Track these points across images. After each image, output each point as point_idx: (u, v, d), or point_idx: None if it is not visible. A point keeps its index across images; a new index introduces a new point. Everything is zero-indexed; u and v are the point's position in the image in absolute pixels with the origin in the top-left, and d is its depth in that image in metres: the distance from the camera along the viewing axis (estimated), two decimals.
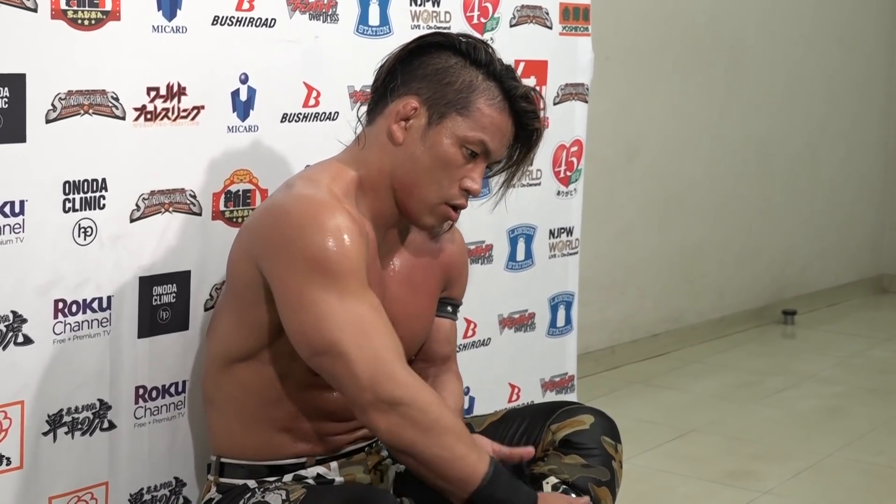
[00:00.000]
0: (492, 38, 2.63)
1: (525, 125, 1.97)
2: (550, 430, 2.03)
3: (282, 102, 2.25)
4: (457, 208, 1.97)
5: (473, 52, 1.95)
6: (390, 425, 1.77)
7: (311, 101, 2.29)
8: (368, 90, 2.14)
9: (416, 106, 1.93)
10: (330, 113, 2.33)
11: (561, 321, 2.96)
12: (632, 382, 3.61)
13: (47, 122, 1.91)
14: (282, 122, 2.25)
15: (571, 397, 3.03)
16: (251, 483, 1.96)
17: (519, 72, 2.69)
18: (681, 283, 4.12)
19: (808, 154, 4.81)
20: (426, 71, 1.94)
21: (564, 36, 2.81)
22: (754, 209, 4.51)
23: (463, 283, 2.20)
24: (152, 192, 2.06)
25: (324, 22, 2.29)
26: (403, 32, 2.44)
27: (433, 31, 2.14)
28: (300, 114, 2.28)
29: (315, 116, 2.30)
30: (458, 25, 2.56)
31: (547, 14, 2.77)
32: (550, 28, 2.78)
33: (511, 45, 2.66)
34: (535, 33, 2.72)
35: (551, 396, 2.94)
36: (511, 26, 2.68)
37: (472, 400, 2.76)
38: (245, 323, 1.94)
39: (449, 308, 2.19)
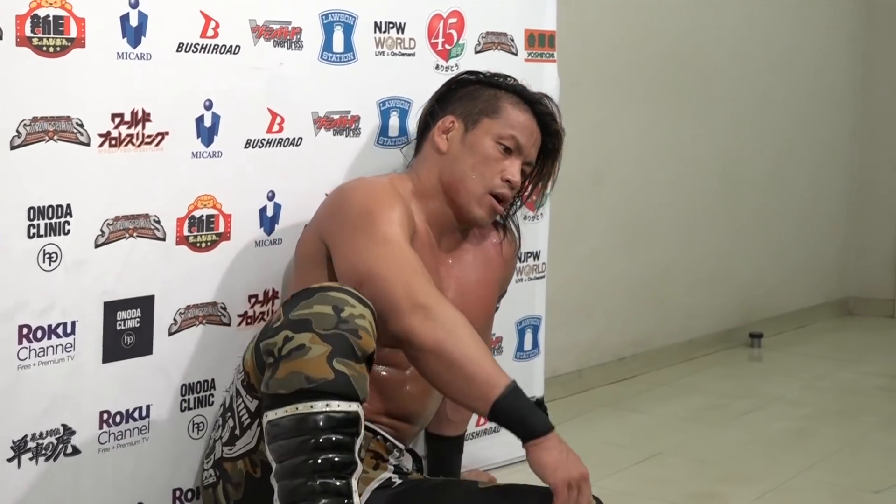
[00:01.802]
0: (457, 65, 2.66)
1: (547, 127, 2.32)
2: None
3: (246, 128, 2.27)
4: (501, 199, 2.26)
5: (494, 78, 2.34)
6: (424, 326, 1.92)
7: (276, 127, 2.31)
8: (333, 116, 2.36)
9: (454, 119, 2.28)
10: (294, 139, 2.35)
11: (528, 345, 2.98)
12: (599, 406, 3.62)
13: (12, 147, 1.93)
14: (246, 147, 2.27)
15: None
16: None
17: None
18: (649, 307, 4.14)
19: (776, 179, 4.86)
20: (458, 96, 2.32)
21: (530, 62, 2.84)
22: (722, 233, 4.55)
23: (510, 279, 2.52)
24: (116, 218, 2.07)
25: (288, 49, 2.32)
26: (368, 59, 2.47)
27: (461, 71, 2.44)
28: (264, 139, 2.30)
29: (279, 142, 2.32)
30: (423, 52, 2.59)
31: (512, 41, 2.80)
32: (516, 54, 2.81)
33: (455, 74, 2.69)
34: (500, 60, 2.75)
35: None
36: (476, 53, 2.71)
37: None
38: (304, 284, 2.05)
39: (497, 306, 2.50)
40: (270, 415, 1.82)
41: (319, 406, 1.78)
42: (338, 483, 1.78)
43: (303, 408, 1.78)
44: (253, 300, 2.32)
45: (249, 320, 2.32)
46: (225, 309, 2.28)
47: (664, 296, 4.23)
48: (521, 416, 1.91)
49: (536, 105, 2.31)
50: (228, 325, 2.29)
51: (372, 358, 1.87)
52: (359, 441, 1.82)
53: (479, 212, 2.26)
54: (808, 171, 5.06)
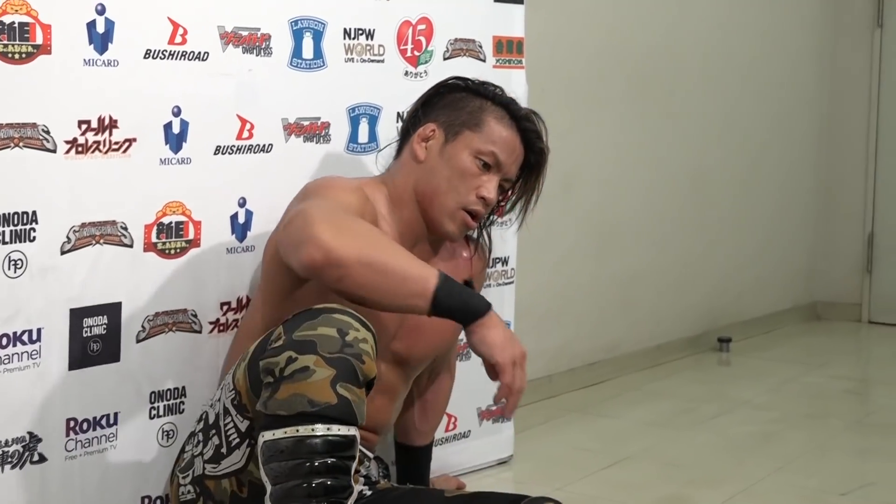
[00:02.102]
0: (425, 71, 2.66)
1: (532, 144, 2.26)
2: None
3: (215, 135, 2.27)
4: (474, 216, 2.21)
5: (482, 87, 2.27)
6: (340, 240, 1.86)
7: (245, 134, 2.31)
8: (303, 123, 2.35)
9: (435, 128, 2.23)
10: (264, 145, 2.35)
11: None
12: (569, 411, 3.63)
13: None
14: (216, 154, 2.27)
15: (508, 426, 3.05)
16: None
17: None
18: (617, 312, 4.16)
19: (744, 185, 4.89)
20: (443, 102, 2.26)
21: (498, 68, 2.85)
22: (690, 239, 4.57)
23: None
24: (83, 225, 2.07)
25: (257, 55, 2.31)
26: (337, 66, 2.47)
27: (451, 76, 2.35)
28: (234, 146, 2.30)
29: (249, 149, 2.32)
30: (392, 59, 2.60)
31: (480, 47, 2.81)
32: (484, 61, 2.82)
33: (445, 77, 2.70)
34: (468, 66, 2.76)
35: (488, 426, 2.97)
36: (445, 59, 2.72)
37: None
38: (268, 293, 2.06)
39: None
40: (268, 434, 1.79)
41: (320, 430, 1.76)
42: None
43: (303, 430, 1.76)
44: (225, 307, 2.32)
45: (222, 327, 2.31)
46: (196, 316, 2.27)
47: (633, 301, 4.25)
48: (461, 300, 1.92)
49: (522, 121, 2.25)
50: (200, 332, 2.28)
51: (372, 383, 1.85)
52: (354, 465, 1.81)
53: (450, 226, 2.21)
54: (776, 177, 5.09)
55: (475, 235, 2.38)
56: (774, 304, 5.13)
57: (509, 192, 2.31)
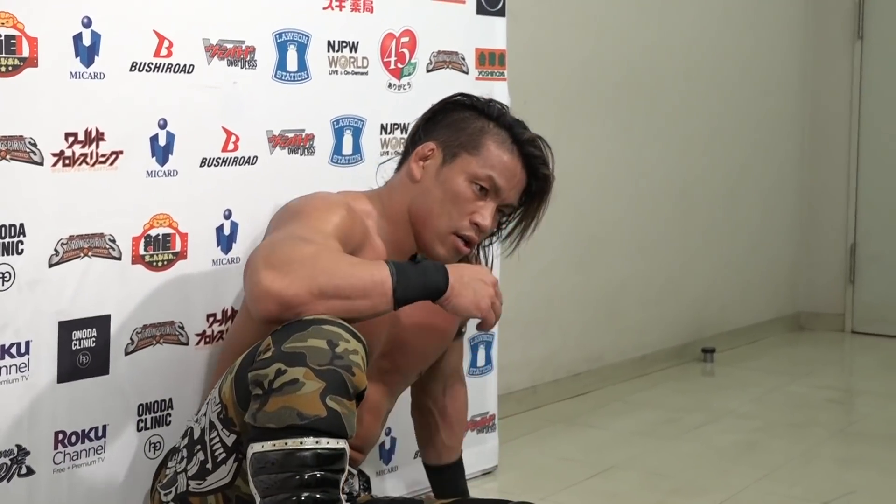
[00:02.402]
0: (409, 83, 2.68)
1: (535, 170, 2.19)
2: None
3: (201, 147, 2.28)
4: (467, 241, 2.16)
5: (487, 107, 2.21)
6: (285, 281, 1.81)
7: (231, 146, 2.33)
8: (288, 135, 2.36)
9: (434, 148, 2.18)
10: (249, 157, 2.36)
11: (481, 361, 3.01)
12: (554, 422, 3.65)
13: None
14: (201, 166, 2.28)
15: (493, 437, 3.06)
16: None
17: None
18: (602, 323, 4.18)
19: (728, 196, 4.92)
20: (446, 121, 2.20)
21: (481, 80, 2.88)
22: (675, 249, 4.60)
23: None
24: (71, 237, 2.08)
25: (242, 68, 2.33)
26: (322, 78, 2.49)
27: (457, 92, 2.29)
28: (219, 158, 2.31)
29: (234, 161, 2.34)
30: (376, 71, 2.61)
31: (463, 59, 2.83)
32: (467, 73, 2.84)
33: (428, 90, 2.72)
34: (451, 78, 2.79)
35: (472, 436, 2.97)
36: (428, 71, 2.74)
37: (393, 441, 2.79)
38: (249, 315, 2.02)
39: (462, 330, 2.46)
40: (256, 447, 1.77)
41: (309, 443, 1.74)
42: None
43: (292, 443, 1.74)
44: (211, 319, 2.33)
45: (208, 339, 2.32)
46: (182, 328, 2.28)
47: (618, 312, 4.27)
48: (420, 288, 1.91)
49: (525, 146, 2.17)
50: (186, 344, 2.29)
51: (363, 395, 1.83)
52: (343, 478, 1.80)
53: (441, 250, 2.15)
54: (759, 189, 5.13)
55: (475, 253, 2.32)
56: (758, 315, 5.16)
57: (506, 221, 2.26)
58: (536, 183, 2.21)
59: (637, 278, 4.37)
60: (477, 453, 2.99)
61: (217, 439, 1.92)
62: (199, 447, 1.96)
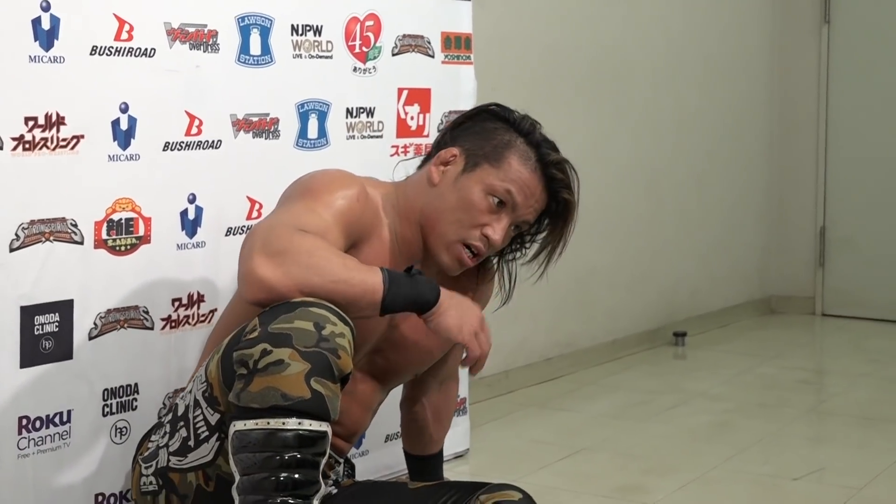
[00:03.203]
0: (374, 67, 2.68)
1: (556, 193, 2.15)
2: (480, 500, 2.10)
3: (164, 131, 2.27)
4: (473, 253, 2.11)
5: (519, 122, 2.17)
6: (277, 273, 1.82)
7: (194, 130, 2.32)
8: (252, 119, 2.34)
9: (456, 154, 2.14)
10: (213, 141, 2.36)
11: None
12: (526, 406, 3.66)
13: None
14: (164, 150, 2.27)
15: (464, 420, 3.07)
16: None
17: (402, 100, 2.78)
18: (573, 308, 4.19)
19: (697, 180, 4.93)
20: (474, 129, 2.17)
21: (447, 64, 2.88)
22: (645, 234, 4.61)
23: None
24: (32, 222, 2.06)
25: (205, 51, 2.32)
26: (285, 62, 2.48)
27: (493, 102, 2.26)
28: (182, 142, 2.30)
29: (198, 145, 2.33)
30: (341, 55, 2.61)
31: (429, 43, 2.83)
32: (433, 57, 2.84)
33: (394, 73, 2.72)
34: (417, 62, 2.79)
35: None
36: (393, 55, 2.74)
37: None
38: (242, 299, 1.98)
39: None
40: (239, 424, 1.77)
41: (291, 423, 1.75)
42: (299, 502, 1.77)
43: (274, 423, 1.75)
44: (177, 303, 2.32)
45: (173, 324, 2.31)
46: (147, 312, 2.27)
47: (589, 297, 4.28)
48: (409, 299, 1.91)
49: (550, 167, 2.14)
50: (151, 328, 2.28)
51: (347, 378, 1.83)
52: (323, 461, 1.80)
53: (445, 258, 2.12)
54: (728, 174, 5.15)
55: (493, 268, 2.29)
56: (729, 299, 5.19)
57: (529, 240, 2.23)
58: (557, 205, 2.17)
59: (608, 263, 4.38)
60: (448, 437, 2.99)
61: (201, 417, 1.93)
62: (182, 423, 1.97)
